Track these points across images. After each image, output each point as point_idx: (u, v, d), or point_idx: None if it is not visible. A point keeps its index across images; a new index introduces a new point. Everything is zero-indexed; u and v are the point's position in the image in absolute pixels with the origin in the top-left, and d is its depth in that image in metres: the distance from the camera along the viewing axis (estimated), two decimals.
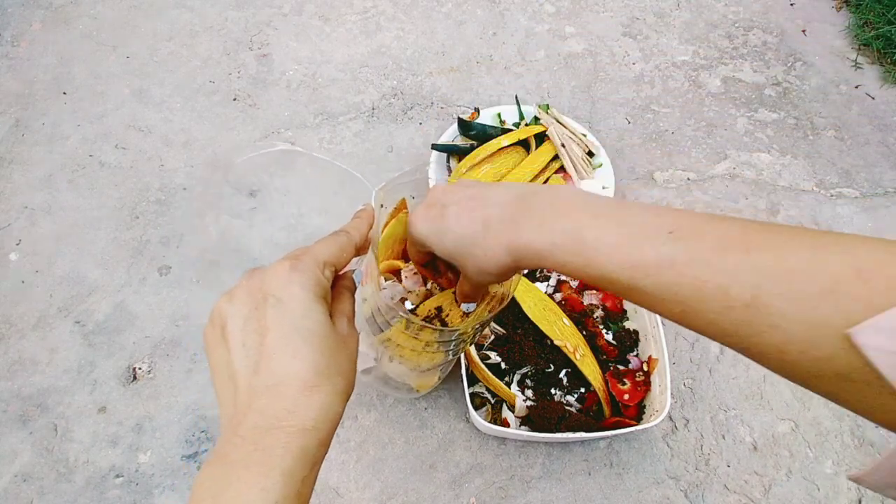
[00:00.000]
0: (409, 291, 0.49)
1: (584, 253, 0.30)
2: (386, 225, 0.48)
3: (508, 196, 0.34)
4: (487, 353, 0.66)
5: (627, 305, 0.72)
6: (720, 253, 0.25)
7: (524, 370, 0.66)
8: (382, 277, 0.50)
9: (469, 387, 0.62)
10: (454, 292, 0.46)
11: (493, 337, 0.67)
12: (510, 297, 0.48)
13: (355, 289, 0.36)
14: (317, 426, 0.27)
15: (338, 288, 0.34)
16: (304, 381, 0.27)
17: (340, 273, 0.35)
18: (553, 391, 0.64)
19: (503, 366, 0.65)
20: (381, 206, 0.42)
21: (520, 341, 0.65)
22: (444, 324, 0.46)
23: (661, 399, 0.61)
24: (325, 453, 0.28)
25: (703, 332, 0.27)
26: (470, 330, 0.46)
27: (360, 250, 0.36)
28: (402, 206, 0.49)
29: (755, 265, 0.24)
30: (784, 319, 0.23)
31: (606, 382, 0.64)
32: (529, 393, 0.64)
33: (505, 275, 0.35)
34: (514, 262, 0.34)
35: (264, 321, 0.28)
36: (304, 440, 0.26)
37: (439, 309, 0.46)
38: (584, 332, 0.68)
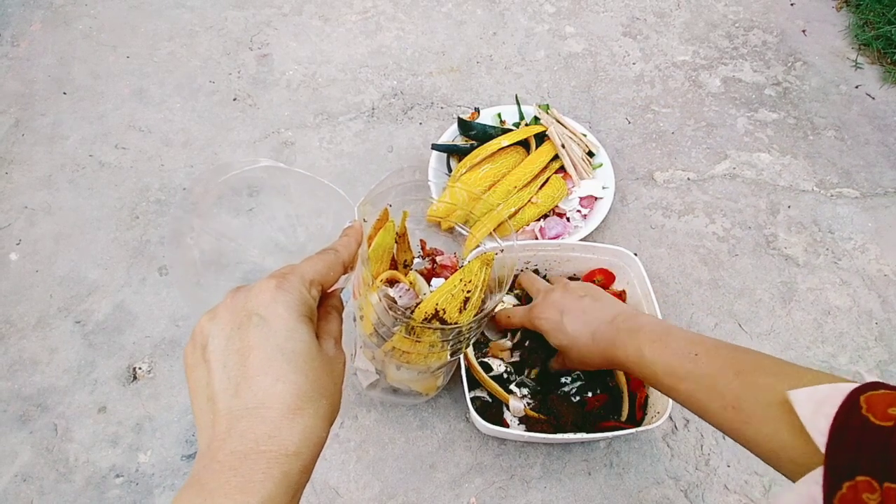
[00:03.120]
0: (407, 307, 0.49)
1: (644, 364, 0.47)
2: (371, 237, 0.48)
3: (608, 315, 0.53)
4: (488, 361, 0.65)
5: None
6: (723, 372, 0.41)
7: (525, 372, 0.65)
8: (383, 285, 0.50)
9: (470, 390, 0.61)
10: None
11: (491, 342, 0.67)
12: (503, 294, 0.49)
13: (343, 309, 0.35)
14: (299, 451, 0.25)
15: (325, 308, 0.33)
16: (286, 404, 0.26)
17: (328, 291, 0.33)
18: (553, 392, 0.64)
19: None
20: (364, 220, 0.42)
21: (520, 348, 0.65)
22: (443, 322, 0.46)
23: (662, 400, 0.61)
24: (308, 480, 0.27)
25: (712, 422, 0.41)
26: (469, 324, 0.46)
27: (348, 268, 0.35)
28: (384, 217, 0.49)
29: (741, 383, 0.39)
30: (753, 418, 0.37)
31: (628, 381, 0.64)
32: (529, 392, 0.64)
33: (599, 368, 0.55)
34: (608, 365, 0.53)
35: (247, 341, 0.27)
36: (286, 466, 0.25)
37: (436, 309, 0.46)
38: None
